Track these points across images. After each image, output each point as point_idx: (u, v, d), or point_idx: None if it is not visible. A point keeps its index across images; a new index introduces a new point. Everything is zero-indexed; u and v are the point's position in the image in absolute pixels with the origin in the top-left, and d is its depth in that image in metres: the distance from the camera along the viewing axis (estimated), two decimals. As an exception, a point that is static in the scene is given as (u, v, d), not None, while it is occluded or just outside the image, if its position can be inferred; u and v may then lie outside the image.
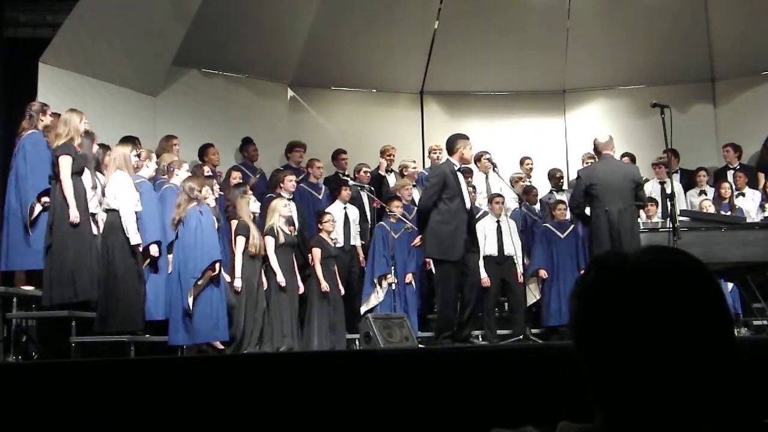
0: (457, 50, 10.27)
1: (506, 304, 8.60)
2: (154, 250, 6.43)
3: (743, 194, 8.95)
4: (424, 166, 9.93)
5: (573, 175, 9.49)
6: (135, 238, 6.13)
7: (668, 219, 6.46)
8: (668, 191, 6.42)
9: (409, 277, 8.09)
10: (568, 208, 8.07)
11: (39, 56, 7.54)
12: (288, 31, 9.67)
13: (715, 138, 10.26)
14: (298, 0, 9.54)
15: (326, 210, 8.17)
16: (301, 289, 7.52)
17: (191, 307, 6.28)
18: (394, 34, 10.01)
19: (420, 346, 6.92)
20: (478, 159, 8.92)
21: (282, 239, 7.30)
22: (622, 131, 10.05)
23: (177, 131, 8.40)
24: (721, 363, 0.98)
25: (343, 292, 7.84)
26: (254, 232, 7.08)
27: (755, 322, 7.60)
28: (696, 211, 8.23)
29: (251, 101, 9.88)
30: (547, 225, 8.63)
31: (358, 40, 10.02)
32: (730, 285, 7.80)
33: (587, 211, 6.80)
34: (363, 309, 7.92)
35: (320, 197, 8.84)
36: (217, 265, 6.43)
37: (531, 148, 10.17)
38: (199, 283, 6.32)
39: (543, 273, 8.42)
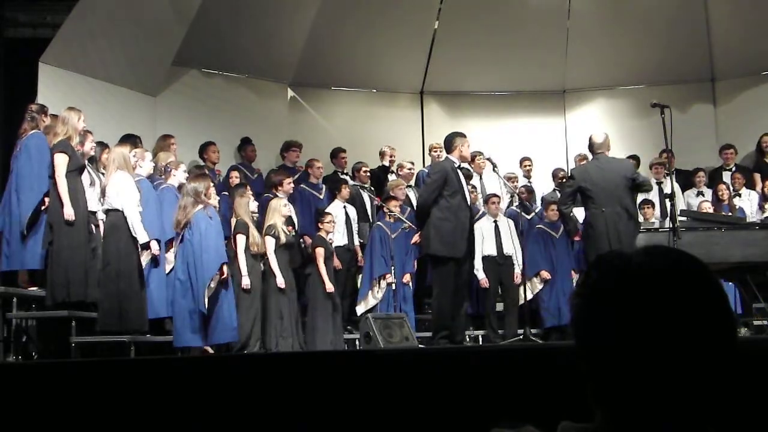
0: (457, 50, 10.26)
1: (502, 304, 8.58)
2: (155, 247, 6.42)
3: (739, 195, 8.93)
4: (424, 166, 9.91)
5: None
6: (143, 237, 6.17)
7: (668, 219, 6.43)
8: (666, 191, 6.35)
9: (407, 277, 8.08)
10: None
11: (39, 56, 7.54)
12: (288, 31, 9.66)
13: (715, 138, 10.24)
14: (298, 0, 9.54)
15: (326, 210, 8.16)
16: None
17: (206, 310, 6.28)
18: (394, 34, 10.00)
19: (420, 346, 6.91)
20: (471, 159, 8.87)
21: (283, 239, 7.30)
22: (622, 131, 10.06)
23: (177, 131, 8.40)
24: (723, 364, 0.98)
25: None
26: (253, 230, 7.07)
27: (755, 322, 7.59)
28: (696, 211, 8.21)
29: (251, 101, 9.88)
30: (541, 226, 8.62)
31: (358, 40, 10.01)
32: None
33: (581, 212, 6.75)
34: (360, 309, 7.92)
35: (321, 197, 8.83)
36: (225, 267, 6.46)
37: (531, 148, 10.16)
38: (212, 285, 6.34)
39: (545, 274, 8.40)
